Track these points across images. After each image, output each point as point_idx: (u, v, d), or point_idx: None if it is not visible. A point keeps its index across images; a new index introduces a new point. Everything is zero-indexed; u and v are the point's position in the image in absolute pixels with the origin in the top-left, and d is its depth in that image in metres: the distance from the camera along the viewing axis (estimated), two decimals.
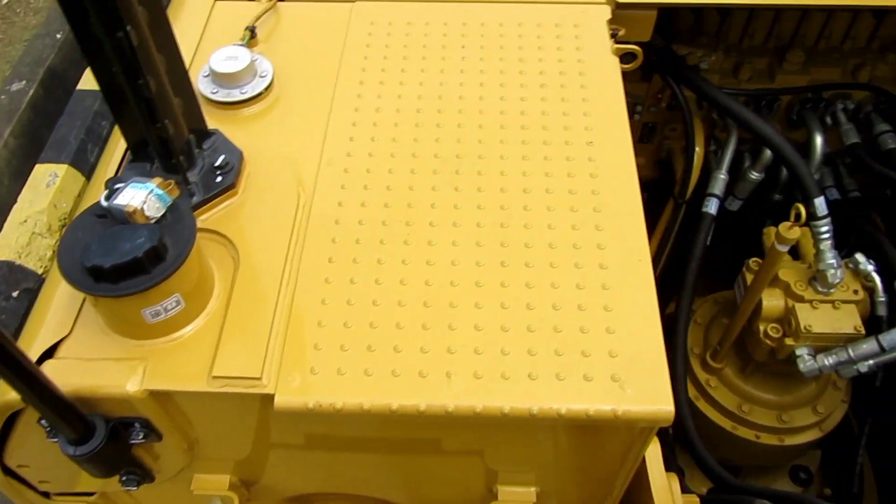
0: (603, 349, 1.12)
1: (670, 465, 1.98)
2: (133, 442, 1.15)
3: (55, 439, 1.08)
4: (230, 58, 1.39)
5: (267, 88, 1.42)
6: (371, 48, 1.52)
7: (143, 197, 1.03)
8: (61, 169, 4.02)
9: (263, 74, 1.42)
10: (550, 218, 1.26)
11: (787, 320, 1.80)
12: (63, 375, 1.06)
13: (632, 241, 1.23)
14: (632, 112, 2.06)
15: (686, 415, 1.85)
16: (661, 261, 2.09)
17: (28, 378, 0.94)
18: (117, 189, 1.05)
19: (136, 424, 1.14)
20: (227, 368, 1.08)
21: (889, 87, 2.01)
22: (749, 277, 1.84)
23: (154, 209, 1.04)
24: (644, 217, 1.27)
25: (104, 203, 1.05)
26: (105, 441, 1.08)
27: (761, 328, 1.84)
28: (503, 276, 1.19)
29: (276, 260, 1.20)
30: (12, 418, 1.14)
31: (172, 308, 1.09)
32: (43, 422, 1.09)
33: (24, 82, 4.25)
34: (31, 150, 4.15)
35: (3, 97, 4.14)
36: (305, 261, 1.20)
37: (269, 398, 1.08)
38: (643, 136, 2.17)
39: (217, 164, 1.24)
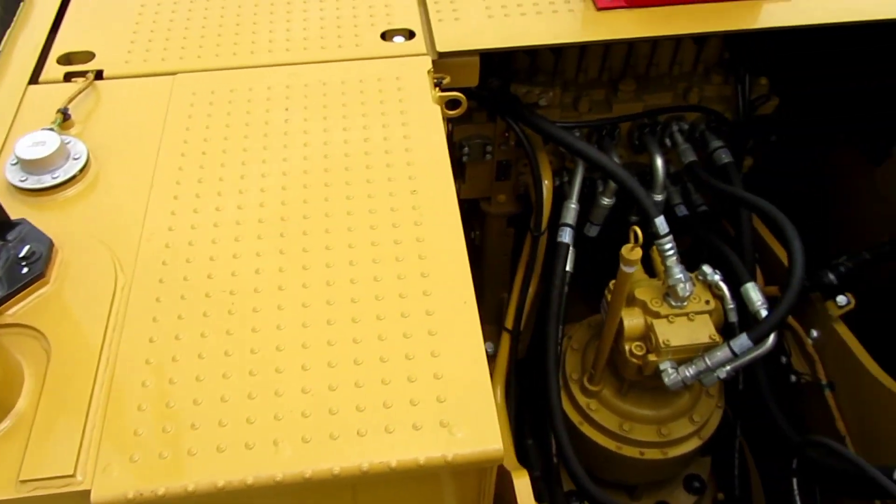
0: (431, 396, 1.12)
1: (556, 495, 2.00)
2: None
3: None
4: (37, 143, 1.36)
5: (81, 170, 1.39)
6: (193, 119, 1.51)
7: None
8: None
9: (77, 157, 1.40)
10: (376, 270, 1.27)
11: (647, 337, 1.86)
12: None
13: (456, 284, 1.25)
14: (483, 152, 2.12)
15: (562, 439, 1.87)
16: (529, 294, 2.13)
17: None
18: None
19: None
20: (37, 470, 1.03)
21: (717, 107, 2.14)
22: (609, 299, 1.90)
23: None
24: (468, 258, 1.29)
25: None
26: None
27: (626, 347, 1.89)
28: (330, 335, 1.19)
29: (93, 347, 1.16)
30: None
31: None
32: None
33: None
34: None
35: None
36: (125, 344, 1.17)
37: (85, 494, 1.03)
38: (500, 173, 2.22)
39: (22, 254, 1.20)
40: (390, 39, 1.72)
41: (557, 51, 2.03)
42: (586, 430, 2.10)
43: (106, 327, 1.18)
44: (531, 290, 2.11)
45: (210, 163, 1.43)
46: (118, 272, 1.25)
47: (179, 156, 1.45)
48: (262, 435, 1.08)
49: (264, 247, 1.30)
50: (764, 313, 1.73)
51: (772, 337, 1.68)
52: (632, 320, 1.86)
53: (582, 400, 2.11)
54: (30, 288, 1.20)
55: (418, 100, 1.56)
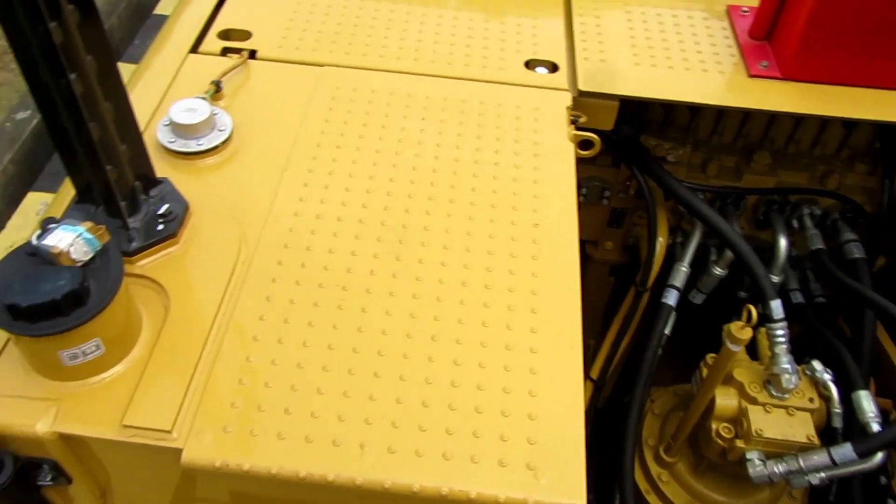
0: (522, 435, 1.10)
1: None
2: (41, 483, 1.13)
3: None
4: (190, 109, 1.42)
5: (224, 142, 1.45)
6: (333, 112, 1.55)
7: (70, 239, 1.03)
8: (52, 199, 4.04)
9: (222, 128, 1.45)
10: (487, 296, 1.26)
11: (739, 421, 1.77)
12: None
13: (565, 329, 1.23)
14: (601, 196, 2.09)
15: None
16: (621, 348, 2.07)
17: None
18: (49, 229, 1.06)
19: (45, 466, 1.12)
20: (139, 418, 1.07)
21: (857, 197, 2.03)
22: (705, 372, 1.82)
23: (81, 252, 1.05)
24: (580, 306, 1.27)
25: (34, 242, 1.06)
26: (10, 480, 1.06)
27: (714, 427, 1.81)
28: (432, 352, 1.18)
29: (207, 312, 1.19)
30: None
31: (91, 352, 1.08)
32: None
33: (29, 112, 4.35)
34: (27, 178, 4.20)
35: (8, 125, 4.22)
36: (237, 317, 1.20)
37: (176, 453, 1.06)
38: (612, 220, 2.18)
39: (160, 212, 1.25)
40: (533, 69, 1.72)
41: (695, 109, 1.98)
42: (652, 499, 2.02)
43: (223, 296, 1.21)
44: (623, 343, 2.05)
45: (343, 157, 1.46)
46: (242, 245, 1.29)
47: (315, 145, 1.48)
48: (350, 435, 1.08)
49: (382, 250, 1.31)
50: (875, 427, 1.62)
51: (880, 455, 1.57)
52: (725, 400, 1.78)
53: (654, 468, 2.02)
54: (162, 244, 1.25)
55: (553, 134, 1.55)
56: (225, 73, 1.57)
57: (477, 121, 1.56)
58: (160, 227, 1.25)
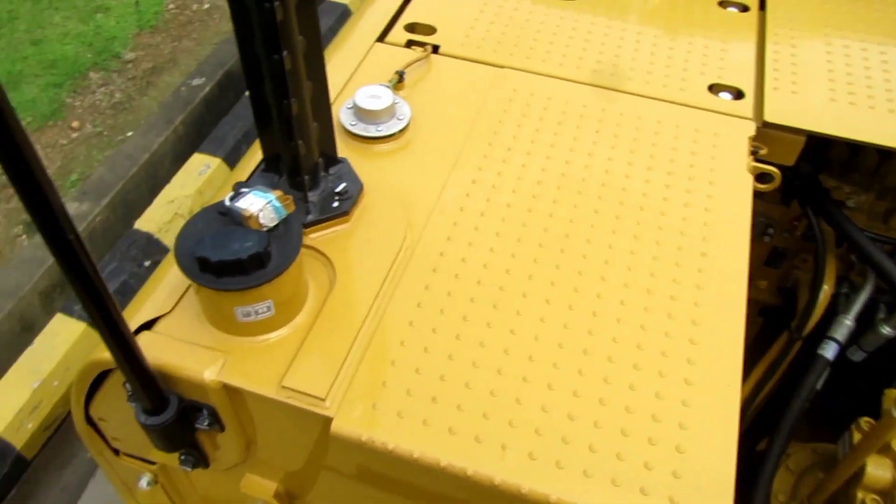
0: (667, 466, 1.06)
1: None
2: (198, 426, 1.21)
3: (133, 404, 1.16)
4: (374, 96, 1.47)
5: (401, 131, 1.49)
6: (507, 113, 1.56)
7: (261, 205, 1.10)
8: (214, 162, 4.34)
9: (401, 117, 1.49)
10: (645, 318, 1.23)
11: (891, 495, 1.64)
12: (154, 349, 1.13)
13: (725, 365, 1.18)
14: (763, 233, 1.98)
15: None
16: (762, 393, 1.96)
17: (123, 345, 1.01)
18: (241, 193, 1.13)
19: (205, 411, 1.19)
20: (297, 381, 1.12)
21: None
22: (857, 437, 1.70)
23: (268, 218, 1.11)
24: (743, 344, 1.21)
25: (227, 203, 1.13)
26: (173, 418, 1.14)
27: (859, 496, 1.68)
28: (582, 365, 1.17)
29: (369, 292, 1.23)
30: (105, 375, 1.23)
31: (263, 312, 1.14)
32: (127, 385, 1.16)
33: (203, 79, 4.65)
34: (194, 140, 4.50)
35: (183, 89, 4.53)
36: (396, 300, 1.23)
37: (327, 421, 1.10)
38: (771, 259, 2.07)
39: (337, 190, 1.31)
40: (717, 93, 1.66)
41: (885, 153, 1.84)
42: None
43: (385, 278, 1.25)
44: (766, 389, 1.94)
45: (512, 160, 1.47)
46: (407, 232, 1.32)
47: (487, 144, 1.50)
48: (493, 434, 1.09)
49: (542, 256, 1.31)
50: None
51: None
52: (878, 470, 1.65)
53: None
54: (334, 221, 1.30)
55: (731, 164, 1.48)
56: (408, 65, 1.62)
57: (651, 139, 1.52)
58: (335, 204, 1.30)
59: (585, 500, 1.03)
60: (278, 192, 1.12)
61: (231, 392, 1.16)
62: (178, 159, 4.03)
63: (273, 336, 1.19)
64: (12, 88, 4.20)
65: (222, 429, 1.22)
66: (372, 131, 1.47)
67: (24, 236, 3.50)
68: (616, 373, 1.16)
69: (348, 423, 1.09)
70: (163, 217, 3.68)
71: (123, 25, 4.66)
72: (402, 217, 1.35)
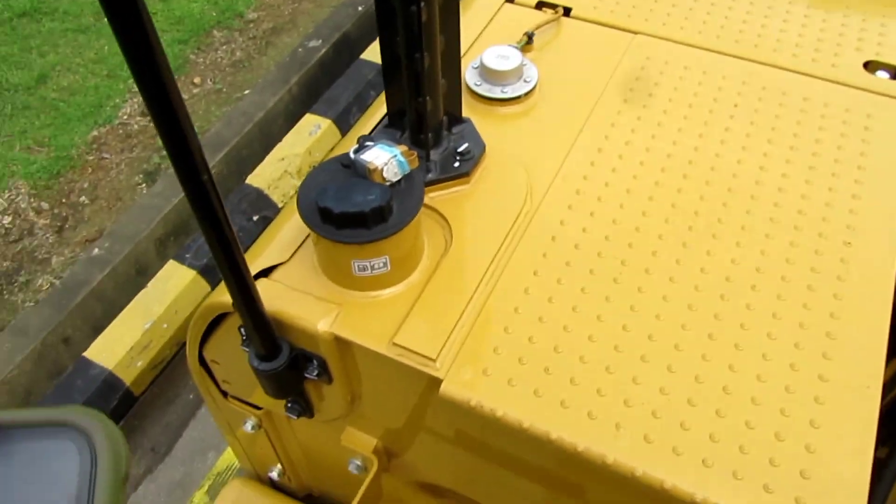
0: (795, 465, 0.99)
1: None
2: (307, 376, 1.22)
3: (246, 349, 1.18)
4: (502, 56, 1.42)
5: (527, 94, 1.44)
6: (639, 82, 1.48)
7: (386, 159, 1.08)
8: (325, 123, 4.40)
9: (528, 80, 1.44)
10: (777, 307, 1.14)
11: None
12: (270, 296, 1.15)
13: (864, 364, 1.08)
14: None
15: None
16: (892, 395, 1.81)
17: (243, 288, 1.02)
18: (366, 146, 1.12)
19: (315, 361, 1.20)
20: (408, 340, 1.11)
21: None
22: None
23: (392, 173, 1.09)
24: (887, 343, 1.11)
25: (352, 155, 1.12)
26: (285, 365, 1.16)
27: None
28: (706, 350, 1.10)
29: (485, 255, 1.21)
30: (221, 318, 1.26)
31: (379, 268, 1.14)
32: (242, 330, 1.19)
33: (319, 41, 4.72)
34: (307, 101, 4.58)
35: (300, 50, 4.61)
36: (512, 266, 1.20)
37: (436, 382, 1.09)
38: None
39: (460, 150, 1.28)
40: (873, 72, 1.52)
41: None
42: None
43: (501, 243, 1.22)
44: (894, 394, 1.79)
45: (641, 129, 1.40)
46: (528, 198, 1.28)
47: (615, 112, 1.43)
48: (606, 412, 1.04)
49: (668, 232, 1.24)
50: None
51: None
52: None
53: None
54: (454, 181, 1.28)
55: (885, 151, 1.35)
56: (538, 27, 1.56)
57: (796, 118, 1.41)
58: (456, 164, 1.28)
59: (703, 490, 0.97)
60: (403, 148, 1.11)
61: (342, 345, 1.16)
62: (291, 119, 4.12)
63: (386, 293, 1.18)
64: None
65: (330, 380, 1.23)
66: (497, 92, 1.43)
67: (143, 185, 3.68)
68: (743, 361, 1.08)
69: (457, 386, 1.07)
70: (272, 174, 3.78)
71: None
72: (524, 182, 1.30)
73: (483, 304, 1.16)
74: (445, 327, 1.12)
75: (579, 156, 1.35)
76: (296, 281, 1.21)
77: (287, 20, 4.71)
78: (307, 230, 1.23)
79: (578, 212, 1.27)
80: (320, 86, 4.32)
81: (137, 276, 3.23)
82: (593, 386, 1.07)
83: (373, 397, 1.27)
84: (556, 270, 1.19)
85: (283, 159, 3.85)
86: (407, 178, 1.13)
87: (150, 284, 3.12)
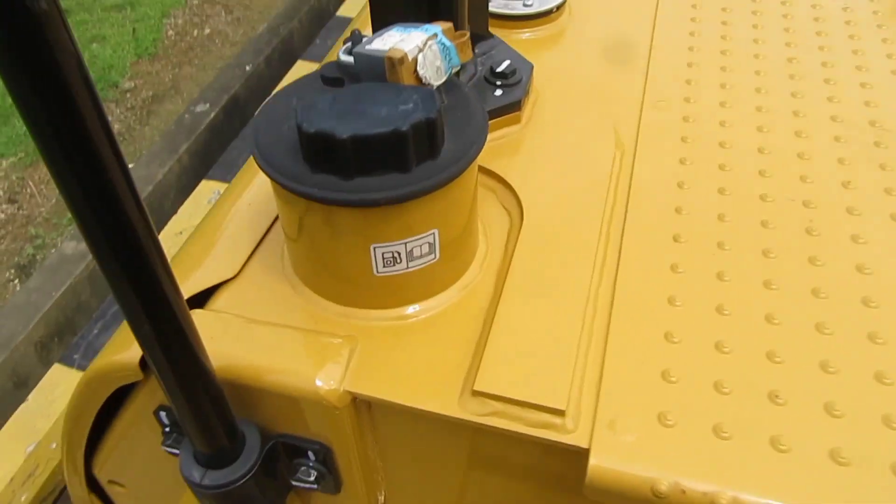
0: None
1: None
2: (296, 484, 0.67)
3: (174, 450, 0.62)
4: None
5: (559, 8, 0.98)
6: None
7: (420, 41, 0.58)
8: (225, 187, 3.85)
9: None
10: None
11: None
12: (216, 338, 0.61)
13: None
14: None
15: None
16: None
17: (168, 325, 0.48)
18: (371, 38, 0.61)
19: (311, 455, 0.65)
20: (503, 384, 0.58)
21: None
22: None
23: (433, 68, 0.58)
24: None
25: (342, 57, 0.61)
26: (254, 471, 0.60)
27: None
28: None
29: (584, 240, 0.71)
30: (120, 398, 0.69)
31: (421, 256, 0.62)
32: (162, 414, 0.63)
33: (207, 105, 4.23)
34: (200, 170, 4.06)
35: (186, 116, 4.10)
36: (630, 257, 0.70)
37: (574, 454, 0.56)
38: None
39: (499, 69, 0.79)
40: None
41: None
42: None
43: (602, 220, 0.72)
44: None
45: (734, 23, 0.96)
46: (615, 143, 0.80)
47: (689, 20, 0.99)
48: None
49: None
50: None
51: None
52: None
53: None
54: (501, 120, 0.78)
55: None
56: None
57: None
58: (498, 92, 0.79)
59: None
60: (447, 24, 0.60)
61: (363, 413, 0.62)
62: (184, 190, 3.61)
63: (432, 304, 0.65)
64: (2, 123, 3.80)
65: (338, 487, 0.68)
66: (518, 7, 0.96)
67: (16, 280, 3.05)
68: None
69: (620, 455, 0.55)
70: (170, 251, 3.20)
71: (120, 54, 4.26)
72: (602, 118, 0.83)
73: (608, 321, 0.64)
74: (561, 358, 0.60)
75: (663, 74, 0.89)
76: (259, 307, 0.67)
77: (168, 87, 4.18)
78: (261, 224, 0.71)
79: (698, 166, 0.79)
80: (213, 151, 3.84)
81: (16, 388, 2.68)
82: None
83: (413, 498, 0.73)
84: (708, 261, 0.70)
85: (180, 233, 3.32)
86: (451, 88, 0.62)
87: (30, 397, 2.60)
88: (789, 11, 1.01)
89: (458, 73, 0.63)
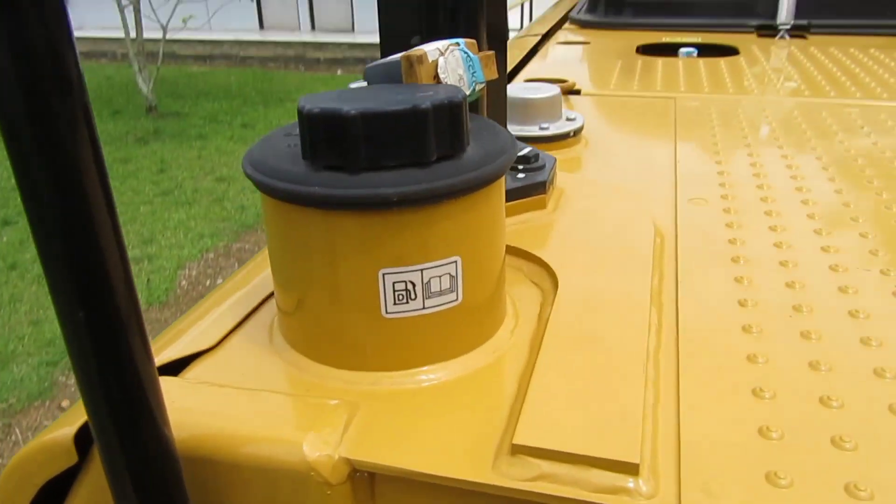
0: None
1: None
2: None
3: None
4: (531, 89, 0.97)
5: (575, 133, 0.96)
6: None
7: (440, 46, 0.52)
8: None
9: (572, 118, 0.98)
10: None
11: None
12: (185, 406, 0.47)
13: None
14: None
15: None
16: None
17: (133, 388, 0.38)
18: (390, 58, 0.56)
19: None
20: (551, 437, 0.43)
21: None
22: None
23: (455, 76, 0.53)
24: None
25: (353, 86, 0.55)
26: None
27: None
28: None
29: (631, 297, 0.59)
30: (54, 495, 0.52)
31: (440, 293, 0.50)
32: None
33: None
34: None
35: None
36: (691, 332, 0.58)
37: None
38: None
39: (522, 153, 0.73)
40: None
41: None
42: None
43: (651, 285, 0.62)
44: None
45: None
46: (657, 233, 0.71)
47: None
48: None
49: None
50: None
51: None
52: None
53: None
54: (524, 201, 0.71)
55: None
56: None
57: None
58: (520, 175, 0.72)
59: None
60: (470, 40, 0.55)
61: (361, 496, 0.46)
62: None
63: (455, 368, 0.52)
64: (0, 368, 3.77)
65: None
66: (533, 131, 0.94)
67: None
68: None
69: None
70: None
71: None
72: (637, 206, 0.75)
73: (677, 378, 0.51)
74: (625, 408, 0.46)
75: (694, 168, 0.84)
76: (239, 376, 0.53)
77: None
78: (252, 301, 0.60)
79: (747, 230, 0.71)
80: None
81: None
82: None
83: None
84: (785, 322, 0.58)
85: None
86: (472, 107, 0.56)
87: None
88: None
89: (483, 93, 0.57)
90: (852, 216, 0.75)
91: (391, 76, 0.52)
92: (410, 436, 0.46)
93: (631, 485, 0.41)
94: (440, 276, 0.50)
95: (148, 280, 4.56)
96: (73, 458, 0.49)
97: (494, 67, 0.55)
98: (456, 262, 0.50)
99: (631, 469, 0.41)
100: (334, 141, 0.46)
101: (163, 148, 6.50)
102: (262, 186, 0.49)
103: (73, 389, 3.65)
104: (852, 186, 0.83)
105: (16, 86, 0.30)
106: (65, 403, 3.58)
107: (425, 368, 0.52)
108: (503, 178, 0.52)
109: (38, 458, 0.50)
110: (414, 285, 0.49)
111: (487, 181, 0.49)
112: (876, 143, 0.98)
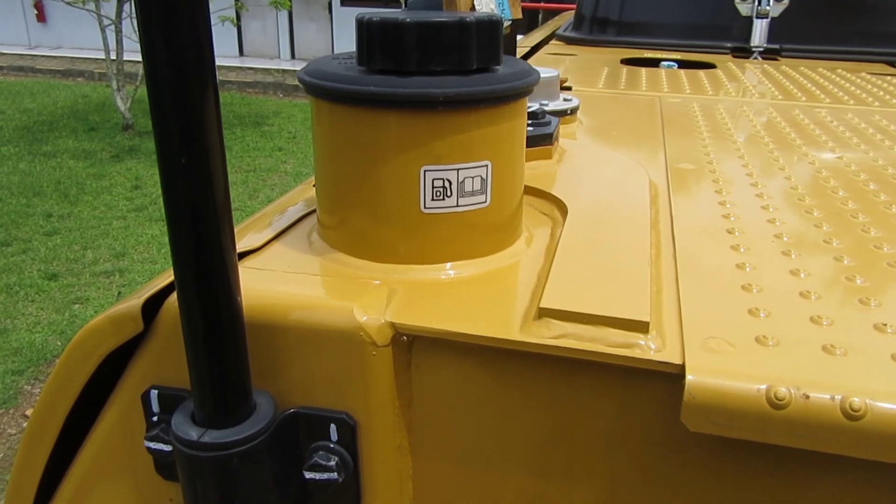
0: None
1: None
2: (312, 476, 0.52)
3: (159, 444, 0.51)
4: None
5: (571, 112, 1.04)
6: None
7: None
8: None
9: (568, 98, 1.06)
10: None
11: None
12: (244, 287, 0.53)
13: None
14: None
15: None
16: None
17: (216, 263, 0.46)
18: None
19: (333, 430, 0.52)
20: (574, 301, 0.50)
21: None
22: None
23: (488, 9, 0.60)
24: None
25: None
26: (267, 432, 0.48)
27: None
28: None
29: (634, 218, 0.67)
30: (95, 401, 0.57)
31: (472, 193, 0.57)
32: (153, 394, 0.53)
33: None
34: None
35: None
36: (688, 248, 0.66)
37: (658, 383, 0.46)
38: None
39: (530, 109, 0.81)
40: None
41: None
42: None
43: (650, 214, 0.70)
44: None
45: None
46: (651, 184, 0.79)
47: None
48: None
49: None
50: None
51: None
52: None
53: None
54: (531, 150, 0.78)
55: None
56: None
57: None
58: (529, 128, 0.80)
59: None
60: None
61: (400, 364, 0.52)
62: None
63: (482, 265, 0.59)
64: None
65: (357, 499, 0.54)
66: (534, 107, 1.02)
67: None
68: None
69: (717, 373, 0.45)
70: None
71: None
72: (636, 164, 0.83)
73: (675, 276, 0.58)
74: (636, 279, 0.53)
75: (681, 153, 0.92)
76: (286, 264, 0.59)
77: None
78: (282, 223, 0.67)
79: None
80: None
81: None
82: None
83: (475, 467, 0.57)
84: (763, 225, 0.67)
85: None
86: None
87: None
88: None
89: (509, 30, 0.65)
90: (819, 173, 0.85)
91: (432, 5, 0.60)
92: (446, 309, 0.52)
93: (642, 341, 0.48)
94: (473, 178, 0.56)
95: (119, 293, 4.52)
96: (140, 327, 0.54)
97: (520, 8, 0.64)
98: (487, 165, 0.57)
99: (642, 327, 0.48)
100: (389, 45, 0.53)
101: (138, 165, 6.47)
102: (319, 90, 0.55)
103: (37, 398, 3.58)
104: (819, 153, 0.93)
105: (167, 80, 0.42)
106: (29, 412, 3.51)
107: (454, 264, 0.58)
108: (526, 99, 0.60)
109: (106, 328, 0.55)
110: (450, 183, 0.56)
111: (519, 93, 0.56)
112: (843, 131, 1.09)
